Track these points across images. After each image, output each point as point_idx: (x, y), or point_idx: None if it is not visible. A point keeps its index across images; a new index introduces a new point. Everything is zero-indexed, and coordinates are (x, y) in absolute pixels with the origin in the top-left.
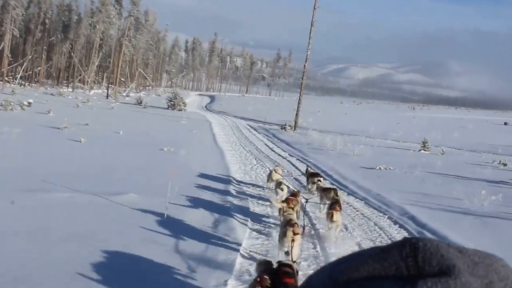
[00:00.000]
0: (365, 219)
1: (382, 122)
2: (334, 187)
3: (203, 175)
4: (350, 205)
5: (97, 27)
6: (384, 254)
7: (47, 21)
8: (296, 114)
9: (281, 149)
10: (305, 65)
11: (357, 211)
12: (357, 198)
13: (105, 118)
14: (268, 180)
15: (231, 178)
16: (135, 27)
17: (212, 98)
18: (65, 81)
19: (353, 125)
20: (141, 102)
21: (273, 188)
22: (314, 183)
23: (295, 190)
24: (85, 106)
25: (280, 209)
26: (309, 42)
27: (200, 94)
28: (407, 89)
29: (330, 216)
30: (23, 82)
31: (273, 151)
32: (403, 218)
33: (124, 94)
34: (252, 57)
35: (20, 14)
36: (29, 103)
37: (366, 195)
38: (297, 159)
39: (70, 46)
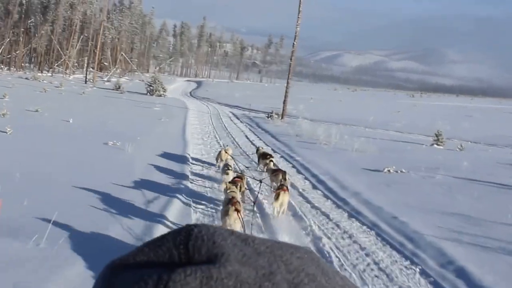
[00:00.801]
0: (382, 275)
1: (380, 111)
2: (283, 170)
3: (142, 183)
4: (355, 241)
5: (77, 8)
6: (160, 241)
7: (24, 1)
8: (284, 100)
9: (264, 142)
10: (294, 44)
11: (367, 255)
12: (363, 224)
13: (66, 104)
14: (217, 160)
15: (182, 186)
16: (119, 10)
17: (199, 84)
18: (46, 66)
19: (349, 113)
20: (119, 88)
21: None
22: (266, 164)
23: (240, 173)
24: (54, 91)
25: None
26: (298, 17)
27: (188, 81)
28: (402, 77)
29: (276, 196)
30: (1, 66)
31: (254, 144)
32: (447, 275)
33: (105, 79)
34: (242, 43)
35: None
36: None
37: (376, 219)
38: (281, 157)
39: (50, 28)
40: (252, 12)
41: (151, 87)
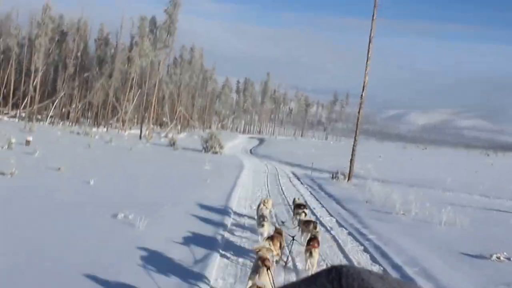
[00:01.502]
0: None
1: (457, 170)
2: (313, 219)
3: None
4: None
5: (134, 61)
6: (313, 279)
7: (79, 54)
8: (351, 159)
9: (326, 210)
10: (362, 95)
11: None
12: None
13: (101, 162)
14: (257, 213)
15: None
16: (179, 64)
17: (262, 141)
18: (103, 121)
19: (423, 173)
20: (173, 144)
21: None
22: (298, 214)
23: (278, 226)
24: (101, 147)
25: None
26: (365, 73)
27: (250, 137)
28: (471, 135)
29: (308, 253)
30: (56, 121)
31: (313, 214)
32: None
33: (163, 135)
34: (307, 99)
35: (48, 48)
36: (28, 141)
37: None
38: (349, 234)
39: (106, 82)
40: (317, 70)
41: (207, 144)
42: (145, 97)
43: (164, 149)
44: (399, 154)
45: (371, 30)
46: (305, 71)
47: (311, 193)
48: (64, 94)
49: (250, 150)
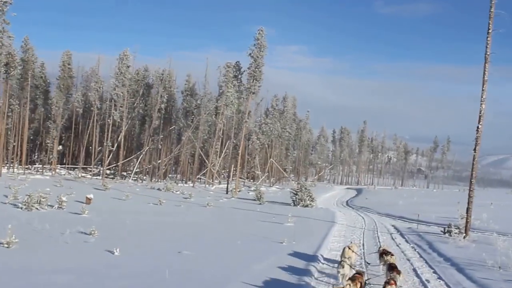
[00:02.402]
0: None
1: None
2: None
3: None
4: None
5: (221, 111)
6: None
7: (162, 106)
8: (468, 209)
9: (445, 283)
10: (476, 137)
11: None
12: None
13: (158, 223)
14: (341, 258)
15: None
16: (270, 114)
17: (359, 191)
18: (191, 175)
19: None
20: (259, 198)
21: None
22: (386, 261)
23: (360, 270)
24: (175, 203)
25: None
26: (479, 124)
27: (347, 188)
28: None
29: None
30: (142, 177)
31: None
32: None
33: (252, 189)
34: (406, 147)
35: (132, 101)
36: (89, 198)
37: None
38: None
39: (193, 135)
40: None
41: (296, 197)
42: (231, 149)
43: (248, 204)
44: (509, 200)
45: (484, 71)
46: (401, 120)
47: (421, 256)
48: (149, 148)
49: (347, 202)
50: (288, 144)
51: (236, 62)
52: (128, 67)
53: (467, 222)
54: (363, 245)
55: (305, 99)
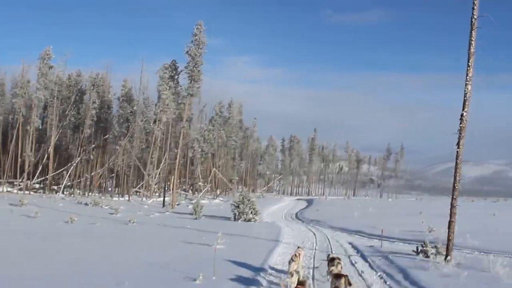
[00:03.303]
0: None
1: None
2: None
3: None
4: None
5: (158, 117)
6: None
7: (94, 112)
8: (450, 226)
9: None
10: (460, 128)
11: None
12: None
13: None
14: (289, 269)
15: None
16: (213, 120)
17: (310, 202)
18: (128, 188)
19: None
20: (196, 212)
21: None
22: (332, 267)
23: (302, 279)
24: (92, 220)
25: None
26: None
27: (297, 199)
28: None
29: None
30: (74, 191)
31: None
32: None
33: (194, 201)
34: (358, 155)
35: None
36: None
37: None
38: None
39: (130, 144)
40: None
41: (238, 210)
42: (173, 159)
43: (182, 220)
44: (473, 209)
45: (470, 39)
46: (352, 130)
47: None
48: (81, 160)
49: (296, 214)
50: (234, 153)
51: (172, 61)
52: (51, 67)
53: (449, 240)
54: (313, 278)
55: (256, 110)
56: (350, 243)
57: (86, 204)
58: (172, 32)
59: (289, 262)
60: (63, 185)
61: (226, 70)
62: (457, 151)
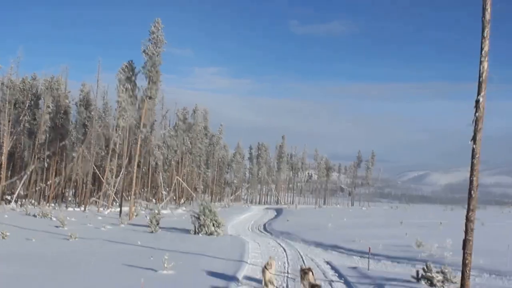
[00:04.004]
0: None
1: None
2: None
3: None
4: None
5: (116, 122)
6: None
7: (48, 117)
8: (465, 245)
9: None
10: (477, 118)
11: None
12: None
13: None
14: (263, 279)
15: None
16: (178, 127)
17: (279, 212)
18: (94, 198)
19: None
20: (157, 224)
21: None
22: (305, 278)
23: None
24: (31, 235)
25: None
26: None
27: (266, 208)
28: (498, 192)
29: None
30: (30, 202)
31: None
32: None
33: (156, 211)
34: (327, 162)
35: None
36: None
37: None
38: None
39: (88, 151)
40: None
41: (199, 221)
42: (125, 166)
43: (136, 233)
44: (451, 217)
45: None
46: (321, 139)
47: None
48: (35, 168)
49: (264, 226)
50: (199, 161)
51: (128, 61)
52: None
53: (465, 265)
54: None
55: (224, 119)
56: (327, 263)
57: (34, 215)
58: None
59: (263, 271)
60: (15, 195)
61: (194, 80)
62: (473, 148)
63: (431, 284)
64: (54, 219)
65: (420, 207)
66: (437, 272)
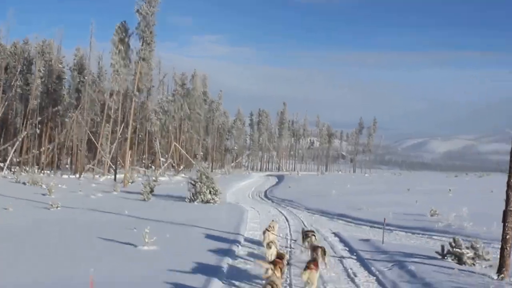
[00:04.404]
0: None
1: None
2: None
3: None
4: None
5: (113, 88)
6: None
7: (39, 81)
8: (505, 219)
9: None
10: None
11: None
12: None
13: None
14: (264, 240)
15: None
16: (176, 92)
17: (280, 178)
18: (90, 165)
19: None
20: (151, 191)
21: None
22: (307, 240)
23: (282, 252)
24: (10, 203)
25: (266, 269)
26: None
27: (267, 175)
28: (495, 159)
29: (302, 273)
30: (24, 169)
31: None
32: None
33: (153, 178)
34: (329, 129)
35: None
36: None
37: None
38: None
39: (82, 117)
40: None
41: (195, 188)
42: (120, 131)
43: (127, 201)
44: (459, 184)
45: None
46: (322, 107)
47: None
48: (27, 134)
49: (265, 192)
50: (198, 127)
51: (121, 22)
52: None
53: (506, 241)
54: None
55: (223, 87)
56: (335, 234)
57: (24, 183)
58: None
59: (264, 233)
60: (7, 162)
61: (193, 48)
62: None
63: (460, 261)
64: (44, 186)
65: (422, 174)
66: (467, 248)
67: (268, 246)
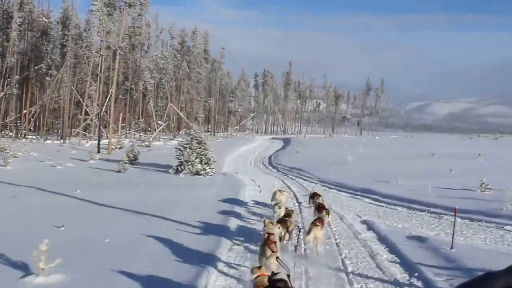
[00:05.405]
0: None
1: None
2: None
3: None
4: None
5: (103, 42)
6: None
7: (15, 34)
8: None
9: None
10: None
11: None
12: None
13: None
14: (272, 199)
15: None
16: (174, 48)
17: (286, 142)
18: (77, 129)
19: None
20: (134, 159)
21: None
22: (314, 202)
23: (289, 210)
24: None
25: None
26: None
27: (272, 138)
28: (496, 122)
29: (308, 231)
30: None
31: None
32: None
33: (144, 144)
34: (336, 91)
35: None
36: None
37: None
38: None
39: (67, 76)
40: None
41: (183, 157)
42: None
43: (100, 172)
44: (473, 147)
45: None
46: (328, 69)
47: None
48: (5, 95)
49: (270, 159)
50: (200, 88)
51: None
52: None
53: None
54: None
55: (228, 49)
56: (367, 225)
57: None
58: None
59: (274, 194)
60: None
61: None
62: None
63: None
64: (20, 153)
65: (431, 136)
66: None
67: (278, 206)
